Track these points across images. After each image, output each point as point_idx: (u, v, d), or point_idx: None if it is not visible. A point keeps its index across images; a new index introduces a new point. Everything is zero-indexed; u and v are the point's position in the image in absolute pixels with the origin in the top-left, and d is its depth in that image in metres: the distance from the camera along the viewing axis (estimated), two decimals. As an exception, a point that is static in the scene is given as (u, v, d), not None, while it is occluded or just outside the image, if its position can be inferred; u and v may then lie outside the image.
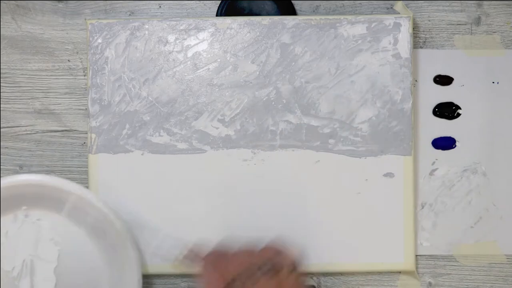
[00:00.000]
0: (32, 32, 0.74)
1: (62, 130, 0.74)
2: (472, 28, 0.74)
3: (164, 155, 0.71)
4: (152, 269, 0.71)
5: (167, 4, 0.74)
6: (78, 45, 0.74)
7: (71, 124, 0.74)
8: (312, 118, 0.71)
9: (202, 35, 0.71)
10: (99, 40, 0.70)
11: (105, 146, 0.71)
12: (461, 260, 0.74)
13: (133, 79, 0.71)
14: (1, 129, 0.73)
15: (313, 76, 0.70)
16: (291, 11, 0.73)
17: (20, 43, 0.73)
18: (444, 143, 0.74)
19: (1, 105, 0.74)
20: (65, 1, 0.74)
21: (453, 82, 0.74)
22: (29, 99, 0.74)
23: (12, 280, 0.68)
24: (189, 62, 0.71)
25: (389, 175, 0.71)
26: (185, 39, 0.71)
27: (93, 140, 0.70)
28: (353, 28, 0.70)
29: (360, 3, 0.74)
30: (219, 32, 0.71)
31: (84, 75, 0.74)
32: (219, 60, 0.71)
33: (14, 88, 0.74)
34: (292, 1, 0.73)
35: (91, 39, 0.70)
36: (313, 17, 0.70)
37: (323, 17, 0.70)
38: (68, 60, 0.74)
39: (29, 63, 0.74)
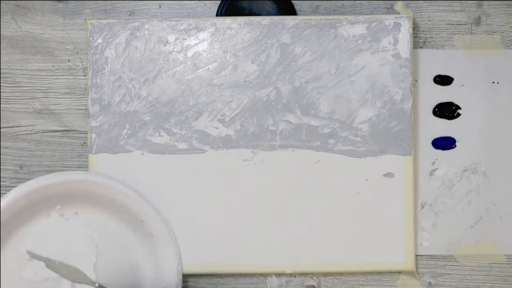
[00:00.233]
0: (32, 32, 0.74)
1: (62, 130, 0.74)
2: (472, 28, 0.74)
3: (164, 155, 0.71)
4: (152, 269, 0.71)
5: (167, 4, 0.74)
6: (78, 45, 0.74)
7: (71, 124, 0.74)
8: (312, 118, 0.71)
9: (202, 35, 0.71)
10: (99, 40, 0.70)
11: (105, 146, 0.71)
12: (461, 260, 0.74)
13: (133, 79, 0.71)
14: (1, 129, 0.73)
15: (313, 76, 0.70)
16: (291, 11, 0.73)
17: (20, 43, 0.73)
18: (444, 143, 0.74)
19: (1, 105, 0.74)
20: (65, 1, 0.74)
21: (453, 82, 0.74)
22: (29, 99, 0.74)
23: (52, 281, 0.68)
24: (189, 62, 0.71)
25: (389, 175, 0.71)
26: (185, 39, 0.71)
27: (93, 140, 0.70)
28: (353, 28, 0.70)
29: (360, 3, 0.74)
30: (219, 32, 0.71)
31: (84, 75, 0.74)
32: (219, 60, 0.71)
33: (14, 88, 0.74)
34: (292, 1, 0.73)
35: (91, 39, 0.70)
36: (313, 17, 0.70)
37: (323, 17, 0.70)
38: (68, 60, 0.74)
39: (29, 63, 0.74)
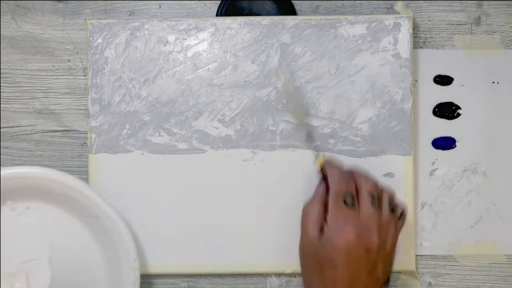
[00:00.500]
0: (32, 32, 0.74)
1: (62, 130, 0.74)
2: (472, 28, 0.74)
3: (164, 155, 0.71)
4: (152, 269, 0.71)
5: (167, 4, 0.74)
6: (78, 45, 0.74)
7: (71, 124, 0.74)
8: (312, 118, 0.71)
9: (202, 35, 0.71)
10: (99, 40, 0.70)
11: (105, 146, 0.71)
12: (461, 260, 0.74)
13: (133, 79, 0.71)
14: (1, 129, 0.73)
15: (313, 76, 0.70)
16: (291, 11, 0.73)
17: (20, 43, 0.73)
18: (444, 143, 0.73)
19: (1, 105, 0.74)
20: (65, 1, 0.74)
21: (453, 82, 0.74)
22: (29, 99, 0.74)
23: (7, 275, 0.68)
24: (189, 62, 0.71)
25: (389, 175, 0.71)
26: (185, 39, 0.71)
27: (93, 140, 0.70)
28: (353, 28, 0.70)
29: (360, 3, 0.74)
30: (219, 32, 0.71)
31: (84, 75, 0.74)
32: (219, 60, 0.71)
33: (14, 88, 0.74)
34: (292, 1, 0.73)
35: (91, 39, 0.70)
36: (313, 17, 0.70)
37: (323, 17, 0.70)
38: (68, 60, 0.74)
39: (29, 63, 0.74)
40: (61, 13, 0.74)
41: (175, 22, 0.71)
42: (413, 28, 0.71)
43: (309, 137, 0.65)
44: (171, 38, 0.71)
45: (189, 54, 0.71)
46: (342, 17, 0.70)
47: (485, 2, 0.74)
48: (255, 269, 0.71)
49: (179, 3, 0.74)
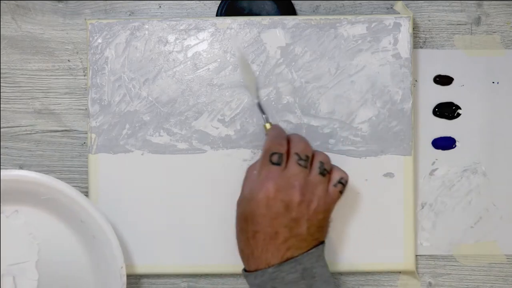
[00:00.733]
0: (32, 32, 0.73)
1: (62, 130, 0.74)
2: (472, 28, 0.74)
3: (164, 155, 0.71)
4: (152, 269, 0.71)
5: (167, 4, 0.74)
6: (78, 45, 0.74)
7: (71, 124, 0.74)
8: (312, 118, 0.71)
9: (202, 35, 0.71)
10: (99, 40, 0.70)
11: (105, 146, 0.71)
12: (461, 260, 0.74)
13: (133, 79, 0.71)
14: (1, 129, 0.73)
15: (313, 76, 0.70)
16: (291, 11, 0.73)
17: (20, 43, 0.73)
18: (444, 143, 0.73)
19: (1, 105, 0.74)
20: (65, 1, 0.74)
21: (453, 82, 0.74)
22: (29, 99, 0.74)
23: None
24: (189, 62, 0.71)
25: (389, 175, 0.71)
26: (185, 39, 0.71)
27: (93, 140, 0.70)
28: (353, 28, 0.70)
29: (360, 3, 0.74)
30: (219, 32, 0.71)
31: (84, 75, 0.74)
32: (219, 60, 0.71)
33: (14, 88, 0.74)
34: (292, 1, 0.73)
35: (91, 39, 0.70)
36: (313, 17, 0.70)
37: (323, 17, 0.70)
38: (68, 60, 0.74)
39: (29, 63, 0.74)
40: (61, 13, 0.74)
41: (175, 22, 0.71)
42: (413, 28, 0.71)
43: (260, 108, 0.69)
44: (171, 38, 0.71)
45: (189, 54, 0.71)
46: (342, 17, 0.70)
47: (485, 2, 0.74)
48: (255, 269, 0.71)
49: (179, 3, 0.74)
